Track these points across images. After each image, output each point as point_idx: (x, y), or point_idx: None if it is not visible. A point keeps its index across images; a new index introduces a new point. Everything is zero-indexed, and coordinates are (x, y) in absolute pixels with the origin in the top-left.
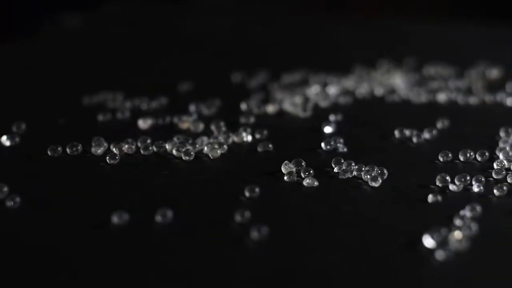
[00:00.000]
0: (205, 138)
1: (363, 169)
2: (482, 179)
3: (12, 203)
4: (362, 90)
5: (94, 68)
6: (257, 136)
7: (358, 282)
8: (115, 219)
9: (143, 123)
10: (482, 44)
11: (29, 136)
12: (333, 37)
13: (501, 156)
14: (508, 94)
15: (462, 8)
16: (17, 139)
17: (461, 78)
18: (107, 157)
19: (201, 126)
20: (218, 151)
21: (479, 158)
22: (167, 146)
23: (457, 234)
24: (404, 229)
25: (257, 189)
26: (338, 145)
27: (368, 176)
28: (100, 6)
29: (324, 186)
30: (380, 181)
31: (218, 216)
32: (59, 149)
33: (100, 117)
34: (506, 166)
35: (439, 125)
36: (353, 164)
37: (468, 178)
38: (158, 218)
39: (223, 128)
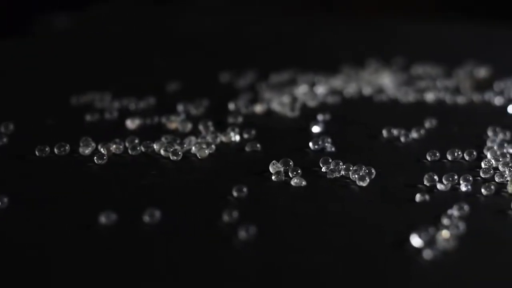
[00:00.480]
0: (193, 138)
1: (351, 168)
2: (470, 179)
3: (0, 203)
4: (350, 89)
5: (82, 68)
6: (245, 136)
7: (346, 282)
8: (102, 219)
9: (131, 123)
10: (470, 44)
11: (17, 137)
12: (321, 36)
13: (488, 156)
14: (496, 93)
15: (450, 8)
16: (4, 140)
17: (449, 77)
18: (95, 157)
19: (189, 126)
20: (206, 151)
21: (467, 158)
22: (155, 146)
23: (445, 234)
24: (391, 228)
25: (244, 189)
26: (326, 144)
27: (356, 176)
28: (88, 6)
29: (312, 185)
30: (368, 180)
31: (206, 216)
32: (47, 149)
33: (88, 117)
34: (494, 165)
35: (427, 124)
36: (341, 163)
37: (455, 177)
38: (146, 218)
39: (211, 128)
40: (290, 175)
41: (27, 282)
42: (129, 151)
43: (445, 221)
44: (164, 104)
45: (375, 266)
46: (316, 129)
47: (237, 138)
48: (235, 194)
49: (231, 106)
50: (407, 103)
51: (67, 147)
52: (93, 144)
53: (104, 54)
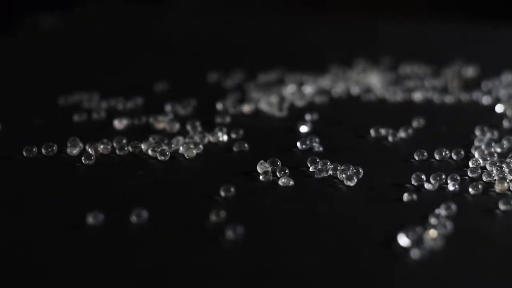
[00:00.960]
0: (180, 138)
1: (338, 168)
2: (458, 178)
3: None
4: (338, 89)
5: (70, 68)
6: (233, 135)
7: (333, 281)
8: (90, 219)
9: (119, 123)
10: (458, 43)
11: (4, 137)
12: (309, 36)
13: (476, 155)
14: (484, 92)
15: (438, 7)
16: None
17: (437, 77)
18: (83, 158)
19: (176, 126)
20: (194, 151)
21: (454, 157)
22: (143, 146)
23: (432, 233)
24: (379, 228)
25: (232, 189)
26: (314, 144)
27: (344, 175)
28: (75, 7)
29: (300, 185)
30: (356, 180)
31: (193, 215)
32: (34, 149)
33: (76, 118)
34: (481, 164)
35: (414, 124)
36: (328, 163)
37: (443, 176)
38: (133, 218)
39: (199, 128)
40: (278, 174)
41: (15, 282)
42: (117, 151)
43: (433, 220)
44: (152, 104)
45: (363, 266)
46: (304, 128)
47: (225, 138)
48: (222, 194)
49: (219, 106)
50: (395, 103)
51: (54, 148)
52: (81, 145)
53: (91, 54)
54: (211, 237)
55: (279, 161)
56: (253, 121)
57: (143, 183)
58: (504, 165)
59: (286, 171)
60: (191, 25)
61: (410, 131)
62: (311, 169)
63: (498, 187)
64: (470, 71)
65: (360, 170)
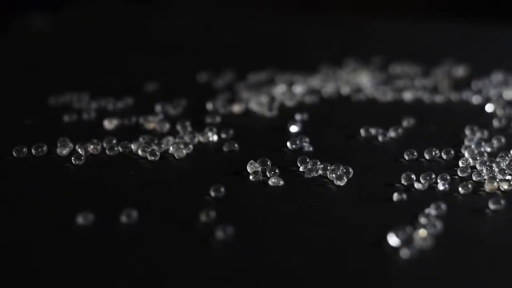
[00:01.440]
0: (170, 138)
1: (328, 168)
2: (447, 177)
3: None
4: (328, 89)
5: (60, 68)
6: (223, 135)
7: (323, 281)
8: (80, 219)
9: (109, 124)
10: (448, 43)
11: None
12: (299, 36)
13: (466, 154)
14: (474, 92)
15: (428, 7)
16: None
17: (427, 76)
18: (73, 158)
19: (167, 126)
20: (184, 151)
21: (444, 156)
22: (133, 146)
23: (422, 233)
24: (369, 227)
25: (222, 189)
26: (304, 144)
27: (334, 175)
28: (66, 7)
29: (290, 185)
30: (346, 180)
31: (183, 216)
32: (24, 150)
33: (66, 118)
34: (471, 164)
35: (404, 123)
36: (318, 163)
37: (433, 176)
38: (123, 218)
39: (189, 128)
40: (268, 174)
41: (5, 283)
42: (107, 152)
43: (423, 220)
44: (142, 104)
45: (353, 265)
46: (294, 128)
47: (215, 138)
48: (212, 194)
49: (209, 106)
50: (385, 102)
51: (44, 148)
52: (71, 145)
53: (82, 54)
54: (201, 237)
55: (269, 161)
56: (243, 121)
57: (133, 183)
58: (494, 165)
59: (276, 171)
60: (181, 25)
61: (400, 130)
62: (301, 169)
63: (488, 187)
64: (460, 71)
65: (350, 170)
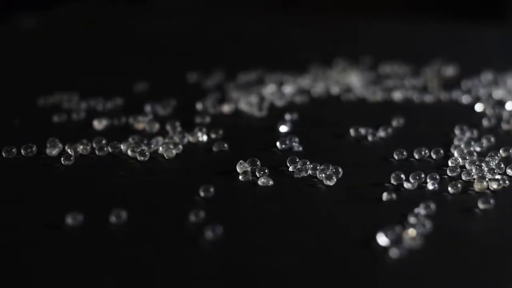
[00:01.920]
0: (160, 138)
1: (318, 168)
2: (437, 177)
3: None
4: (318, 89)
5: (49, 69)
6: (213, 136)
7: (313, 281)
8: (69, 220)
9: (98, 124)
10: (437, 42)
11: None
12: (288, 36)
13: (455, 154)
14: (463, 92)
15: (417, 7)
16: None
17: (417, 76)
18: (62, 158)
19: (156, 126)
20: (173, 151)
21: (434, 156)
22: (122, 147)
23: (411, 232)
24: (358, 227)
25: (211, 189)
26: (293, 144)
27: (323, 175)
28: (55, 7)
29: (279, 185)
30: (335, 179)
31: (172, 216)
32: (13, 150)
33: (55, 118)
34: (461, 163)
35: (394, 123)
36: (308, 163)
37: (422, 176)
38: (113, 218)
39: (179, 128)
40: (257, 174)
41: None
42: (96, 152)
43: (412, 219)
44: (132, 104)
45: (342, 265)
46: (283, 128)
47: (205, 138)
48: (202, 194)
49: (199, 106)
50: (375, 102)
51: (34, 148)
52: (60, 145)
53: (71, 55)
54: (191, 237)
55: (259, 161)
56: (233, 121)
57: (122, 184)
58: (483, 164)
59: (266, 171)
60: (171, 25)
61: (389, 130)
62: (290, 168)
63: (477, 186)
64: (449, 71)
65: (340, 170)
